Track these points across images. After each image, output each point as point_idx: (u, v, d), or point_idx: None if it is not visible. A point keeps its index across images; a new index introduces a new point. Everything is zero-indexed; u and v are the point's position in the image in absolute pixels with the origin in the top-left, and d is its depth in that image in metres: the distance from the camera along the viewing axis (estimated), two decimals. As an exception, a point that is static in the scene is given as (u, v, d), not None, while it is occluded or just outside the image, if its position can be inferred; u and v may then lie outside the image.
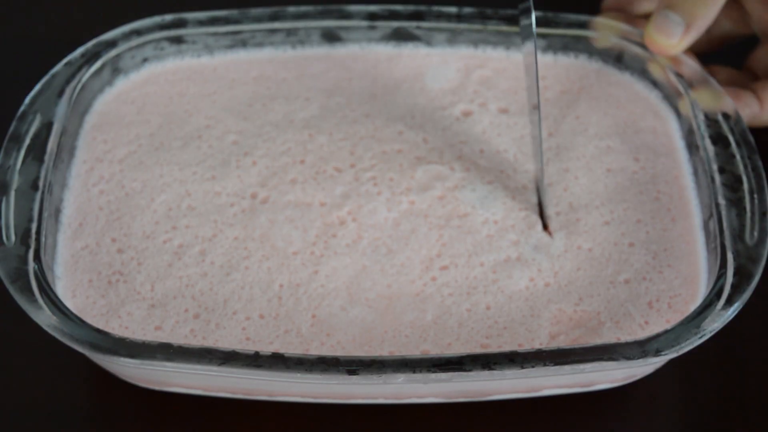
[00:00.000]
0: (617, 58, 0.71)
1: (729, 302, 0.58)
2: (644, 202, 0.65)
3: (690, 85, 0.67)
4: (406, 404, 0.62)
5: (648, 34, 0.67)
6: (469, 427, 0.62)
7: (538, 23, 0.71)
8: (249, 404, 0.62)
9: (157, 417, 0.63)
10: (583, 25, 0.70)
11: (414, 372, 0.56)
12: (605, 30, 0.70)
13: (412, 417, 0.62)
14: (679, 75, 0.68)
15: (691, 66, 0.68)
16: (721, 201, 0.62)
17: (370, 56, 0.72)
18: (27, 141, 0.63)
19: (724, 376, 0.65)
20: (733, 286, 0.58)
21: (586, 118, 0.69)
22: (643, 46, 0.69)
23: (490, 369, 0.56)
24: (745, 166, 0.63)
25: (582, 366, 0.56)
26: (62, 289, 0.62)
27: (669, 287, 0.62)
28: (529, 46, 0.62)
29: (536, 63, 0.62)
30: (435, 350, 0.60)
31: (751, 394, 0.64)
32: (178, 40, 0.70)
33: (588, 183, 0.66)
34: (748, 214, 0.61)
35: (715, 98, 0.66)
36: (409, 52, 0.72)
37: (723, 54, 0.75)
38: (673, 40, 0.67)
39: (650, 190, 0.66)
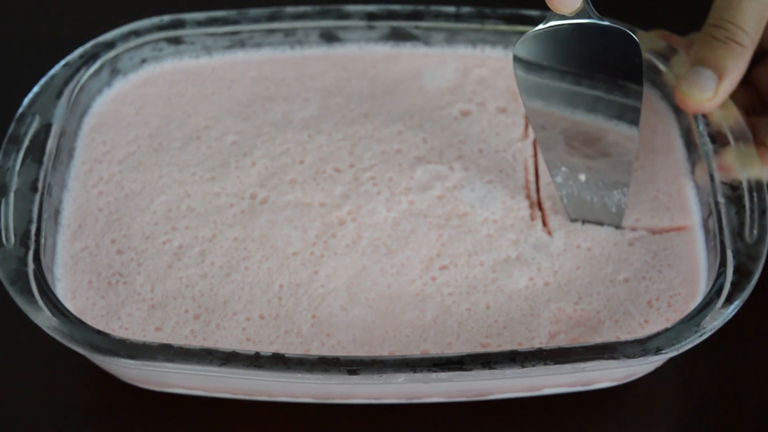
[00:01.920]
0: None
1: (729, 300, 0.58)
2: (643, 200, 0.65)
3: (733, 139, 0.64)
4: (406, 404, 0.62)
5: (680, 91, 0.63)
6: (470, 427, 0.62)
7: (536, 23, 0.70)
8: (249, 405, 0.62)
9: (157, 418, 0.63)
10: None
11: (414, 371, 0.56)
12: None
13: (412, 417, 0.62)
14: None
15: (736, 119, 0.65)
16: (721, 199, 0.62)
17: (369, 56, 0.72)
18: (26, 142, 0.63)
19: (724, 374, 0.65)
20: (732, 284, 0.58)
21: (585, 117, 0.69)
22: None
23: (491, 368, 0.56)
24: (744, 164, 0.63)
25: (582, 365, 0.56)
26: (62, 291, 0.61)
27: (669, 286, 0.62)
28: None
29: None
30: (435, 350, 0.60)
31: (750, 393, 0.64)
32: (176, 41, 0.70)
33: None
34: (748, 212, 0.61)
35: (747, 160, 0.63)
36: (408, 51, 0.72)
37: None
38: (707, 93, 0.63)
39: (649, 188, 0.66)
